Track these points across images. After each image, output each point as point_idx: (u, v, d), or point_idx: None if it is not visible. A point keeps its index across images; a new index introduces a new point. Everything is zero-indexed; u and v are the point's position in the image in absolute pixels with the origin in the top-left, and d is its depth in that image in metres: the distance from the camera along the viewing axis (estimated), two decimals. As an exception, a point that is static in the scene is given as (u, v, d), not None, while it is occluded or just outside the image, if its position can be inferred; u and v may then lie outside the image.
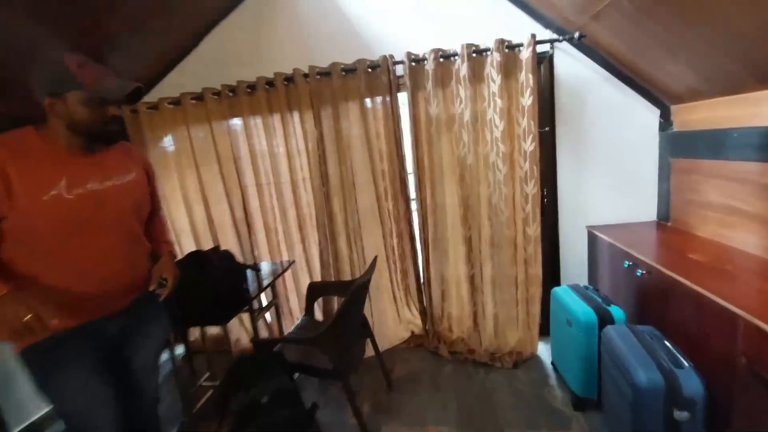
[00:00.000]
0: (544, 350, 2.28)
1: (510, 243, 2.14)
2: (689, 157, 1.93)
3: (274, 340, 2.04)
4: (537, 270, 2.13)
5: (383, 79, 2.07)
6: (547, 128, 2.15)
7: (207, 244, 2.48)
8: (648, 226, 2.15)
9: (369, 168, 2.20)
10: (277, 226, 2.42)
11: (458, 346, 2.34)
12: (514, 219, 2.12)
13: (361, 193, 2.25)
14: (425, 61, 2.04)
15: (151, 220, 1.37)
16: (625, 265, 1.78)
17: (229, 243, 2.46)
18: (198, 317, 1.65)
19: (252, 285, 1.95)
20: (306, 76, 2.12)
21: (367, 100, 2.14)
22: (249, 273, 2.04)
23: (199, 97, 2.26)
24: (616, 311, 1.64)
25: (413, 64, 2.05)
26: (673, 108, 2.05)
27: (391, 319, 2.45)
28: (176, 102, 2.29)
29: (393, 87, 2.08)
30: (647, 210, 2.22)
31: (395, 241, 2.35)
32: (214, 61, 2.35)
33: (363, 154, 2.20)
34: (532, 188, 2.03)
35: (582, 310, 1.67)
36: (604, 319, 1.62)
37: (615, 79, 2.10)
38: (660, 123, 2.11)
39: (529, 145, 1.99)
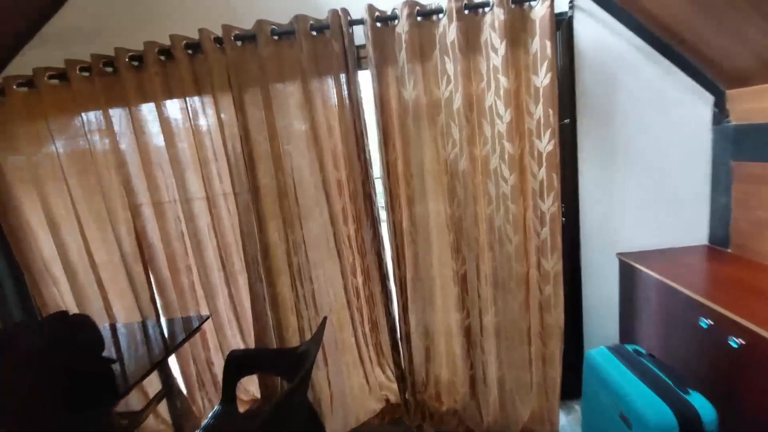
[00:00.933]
0: (566, 424, 1.67)
1: (520, 281, 1.52)
2: (764, 160, 1.38)
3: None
4: (557, 318, 1.51)
5: (335, 47, 1.41)
6: (566, 120, 1.56)
7: (91, 291, 1.72)
8: (700, 254, 1.59)
9: (319, 178, 1.52)
10: (189, 263, 1.69)
11: (450, 422, 1.69)
12: (526, 248, 1.51)
13: (309, 215, 1.57)
14: (396, 21, 1.39)
15: None
16: (703, 326, 1.18)
17: (120, 289, 1.71)
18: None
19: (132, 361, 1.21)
20: (219, 41, 1.42)
21: (314, 80, 1.46)
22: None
23: (62, 75, 1.51)
24: (702, 406, 1.04)
25: (378, 24, 1.40)
26: (730, 93, 1.51)
27: (358, 387, 1.76)
28: (29, 83, 1.53)
29: (350, 59, 1.42)
30: (695, 231, 1.66)
31: (360, 280, 1.67)
32: (91, 23, 1.61)
33: (309, 159, 1.52)
34: (551, 204, 1.42)
35: (650, 404, 1.06)
36: (688, 423, 1.01)
37: (656, 54, 1.53)
38: (714, 114, 1.57)
39: (546, 143, 1.38)
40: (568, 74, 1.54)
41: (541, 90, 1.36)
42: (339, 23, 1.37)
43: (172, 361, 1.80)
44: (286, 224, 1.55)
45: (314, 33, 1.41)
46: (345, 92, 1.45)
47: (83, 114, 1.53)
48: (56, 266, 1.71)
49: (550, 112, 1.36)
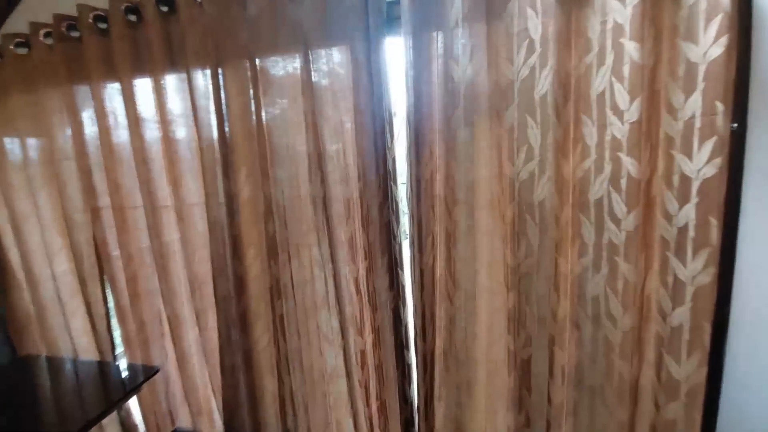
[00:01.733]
0: None
1: (624, 389, 0.91)
2: None
3: None
4: (688, 460, 0.88)
5: (353, 0, 0.93)
6: (734, 125, 0.92)
7: (51, 305, 1.42)
8: None
9: (319, 193, 1.06)
10: (158, 286, 1.31)
11: None
12: (640, 336, 0.90)
13: (303, 243, 1.11)
14: (450, -44, 0.88)
15: None
16: None
17: (77, 309, 1.39)
18: None
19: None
20: (197, -6, 1.02)
21: (320, 51, 1.00)
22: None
23: (27, 43, 1.23)
24: None
25: (421, -38, 0.90)
26: None
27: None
28: (-3, 52, 1.27)
29: (373, 18, 0.94)
30: None
31: (367, 342, 1.17)
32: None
33: (309, 165, 1.06)
34: (700, 270, 0.81)
35: None
36: None
37: None
38: None
39: (704, 163, 0.78)
40: (741, 47, 0.91)
41: (701, 69, 0.77)
42: (359, -41, 0.90)
43: (134, 403, 1.46)
44: (269, 253, 1.10)
45: (324, -22, 0.95)
46: (363, 69, 0.97)
47: (43, 89, 1.23)
48: (19, 269, 1.44)
49: (719, 108, 0.76)
